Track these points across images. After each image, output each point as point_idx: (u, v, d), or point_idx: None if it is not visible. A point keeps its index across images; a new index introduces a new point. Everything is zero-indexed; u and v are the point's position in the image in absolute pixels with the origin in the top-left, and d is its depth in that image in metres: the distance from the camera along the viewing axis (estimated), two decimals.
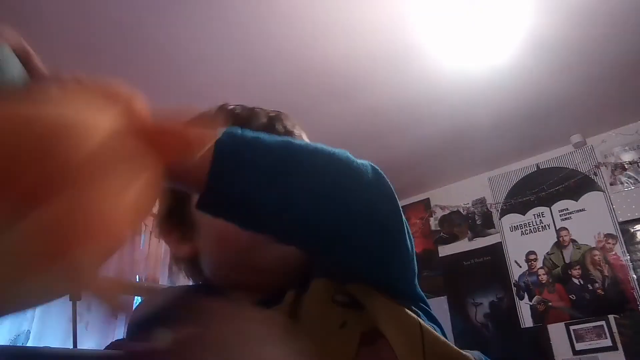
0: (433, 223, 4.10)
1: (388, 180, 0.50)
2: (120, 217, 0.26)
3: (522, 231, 3.67)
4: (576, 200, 3.49)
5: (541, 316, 3.40)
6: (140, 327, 0.53)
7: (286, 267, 0.58)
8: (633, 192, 3.30)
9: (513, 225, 3.72)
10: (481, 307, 3.67)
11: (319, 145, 0.47)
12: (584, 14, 2.35)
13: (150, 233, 2.88)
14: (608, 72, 2.80)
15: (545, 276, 3.46)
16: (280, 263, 0.58)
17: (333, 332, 0.50)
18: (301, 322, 0.51)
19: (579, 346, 3.19)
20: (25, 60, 0.37)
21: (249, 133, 0.43)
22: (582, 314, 3.22)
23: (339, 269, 0.55)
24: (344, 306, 0.52)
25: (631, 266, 3.18)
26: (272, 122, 0.64)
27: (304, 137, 0.67)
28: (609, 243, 3.29)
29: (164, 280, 2.80)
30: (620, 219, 3.29)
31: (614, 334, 3.09)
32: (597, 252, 3.32)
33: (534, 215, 3.65)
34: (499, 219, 3.80)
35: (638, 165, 3.32)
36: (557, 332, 3.31)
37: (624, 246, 3.23)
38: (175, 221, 0.63)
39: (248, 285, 0.59)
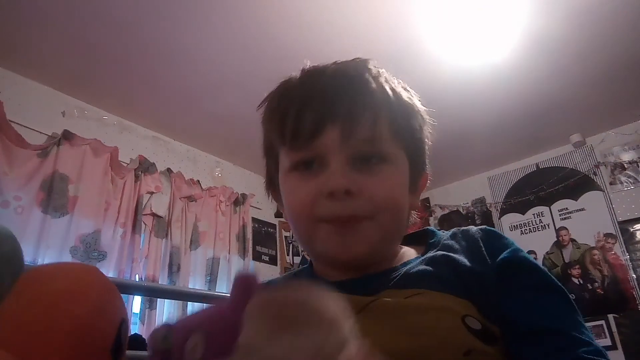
0: (433, 222, 4.10)
1: None
2: None
3: (521, 230, 3.67)
4: (576, 200, 3.49)
5: None
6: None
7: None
8: (632, 192, 3.30)
9: (513, 225, 3.72)
10: None
11: None
12: (584, 14, 2.35)
13: (150, 233, 2.88)
14: (608, 72, 2.80)
15: None
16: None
17: (455, 357, 0.45)
18: (411, 326, 0.47)
19: None
20: None
21: None
22: (582, 313, 3.20)
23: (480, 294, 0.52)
24: (473, 333, 0.47)
25: (630, 265, 3.18)
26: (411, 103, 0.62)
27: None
28: (609, 242, 3.29)
29: (164, 280, 2.80)
30: (620, 219, 3.29)
31: (614, 334, 3.09)
32: (596, 252, 3.32)
33: (534, 214, 3.65)
34: (499, 218, 3.80)
35: (637, 165, 3.32)
36: None
37: (624, 246, 3.23)
38: (274, 187, 0.65)
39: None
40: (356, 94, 0.56)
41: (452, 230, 0.63)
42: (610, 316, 3.14)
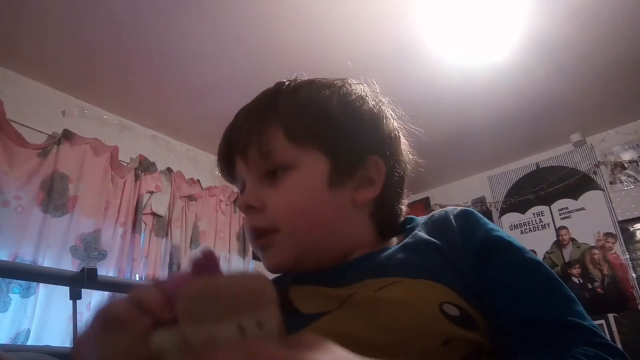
0: None
1: None
2: None
3: (521, 230, 3.67)
4: (576, 199, 3.49)
5: None
6: None
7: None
8: (632, 191, 3.30)
9: (513, 224, 3.72)
10: None
11: None
12: (584, 13, 2.35)
13: (150, 232, 2.88)
14: (608, 71, 2.80)
15: None
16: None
17: (433, 347, 0.44)
18: (386, 321, 0.46)
19: None
20: None
21: None
22: None
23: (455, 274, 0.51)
24: (451, 320, 0.46)
25: (631, 265, 3.18)
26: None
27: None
28: (609, 242, 3.29)
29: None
30: (620, 218, 3.29)
31: (614, 333, 3.09)
32: (596, 251, 3.32)
33: (534, 214, 3.65)
34: (499, 217, 3.80)
35: (637, 164, 3.32)
36: None
37: (624, 245, 3.23)
38: None
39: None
40: (245, 120, 0.61)
41: (431, 213, 0.63)
42: (611, 316, 3.14)
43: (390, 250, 0.57)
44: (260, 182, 0.58)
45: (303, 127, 0.58)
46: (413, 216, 0.66)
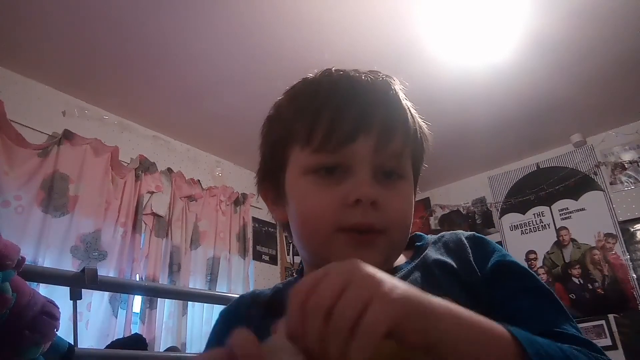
0: (433, 222, 4.10)
1: None
2: None
3: (522, 230, 3.67)
4: (576, 200, 3.49)
5: None
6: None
7: None
8: (633, 192, 3.30)
9: (513, 225, 3.72)
10: None
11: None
12: (584, 14, 2.35)
13: (151, 233, 2.88)
14: (608, 71, 2.80)
15: (545, 275, 3.46)
16: None
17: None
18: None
19: None
20: None
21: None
22: (582, 313, 3.22)
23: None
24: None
25: (631, 265, 3.18)
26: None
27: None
28: (609, 242, 3.29)
29: (164, 280, 2.80)
30: (620, 219, 3.29)
31: (614, 334, 3.09)
32: (597, 252, 3.32)
33: (534, 214, 3.65)
34: (499, 218, 3.80)
35: (638, 165, 3.32)
36: None
37: (624, 245, 3.23)
38: (269, 185, 0.63)
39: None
40: (391, 108, 0.58)
41: (440, 234, 0.65)
42: (611, 316, 3.14)
43: (403, 269, 0.59)
44: (375, 178, 0.55)
45: (418, 144, 0.62)
46: (422, 234, 0.67)
